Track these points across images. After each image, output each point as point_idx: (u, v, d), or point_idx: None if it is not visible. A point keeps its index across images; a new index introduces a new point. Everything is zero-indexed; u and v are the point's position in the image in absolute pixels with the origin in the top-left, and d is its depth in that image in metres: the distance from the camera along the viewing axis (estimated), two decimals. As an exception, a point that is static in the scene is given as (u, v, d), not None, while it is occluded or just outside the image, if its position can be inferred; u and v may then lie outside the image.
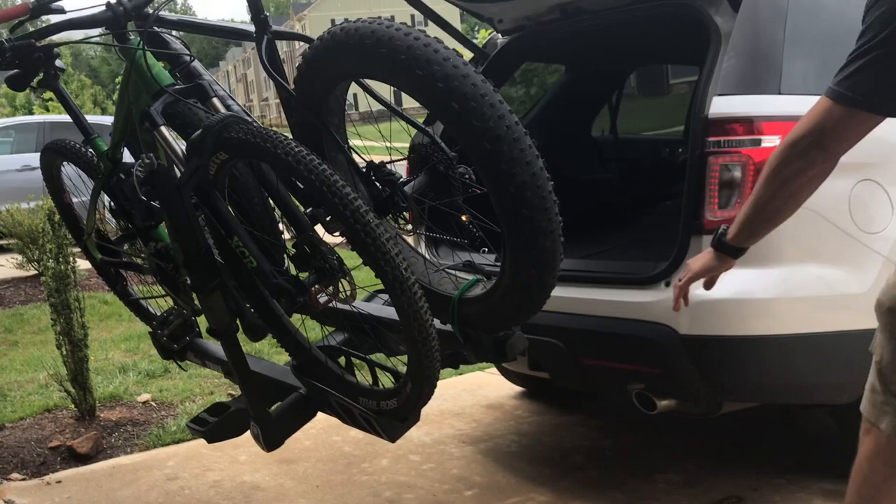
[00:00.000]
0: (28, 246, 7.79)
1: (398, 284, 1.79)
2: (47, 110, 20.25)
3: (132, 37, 2.23)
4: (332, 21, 2.26)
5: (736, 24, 2.67)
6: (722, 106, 2.56)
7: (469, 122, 1.84)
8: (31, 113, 26.92)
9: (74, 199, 3.22)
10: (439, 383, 2.06)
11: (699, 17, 2.78)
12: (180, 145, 2.15)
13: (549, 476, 3.29)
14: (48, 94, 19.71)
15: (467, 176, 2.10)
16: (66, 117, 11.78)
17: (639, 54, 4.28)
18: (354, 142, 2.34)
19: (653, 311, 2.67)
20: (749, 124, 2.54)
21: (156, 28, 2.41)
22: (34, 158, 11.78)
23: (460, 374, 4.53)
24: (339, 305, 2.16)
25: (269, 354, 4.79)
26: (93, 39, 2.27)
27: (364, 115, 2.46)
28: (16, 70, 2.40)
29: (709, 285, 2.08)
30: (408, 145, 2.54)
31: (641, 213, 4.05)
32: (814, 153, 1.69)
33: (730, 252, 1.98)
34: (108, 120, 8.22)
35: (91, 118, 2.95)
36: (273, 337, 2.38)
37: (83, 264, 4.56)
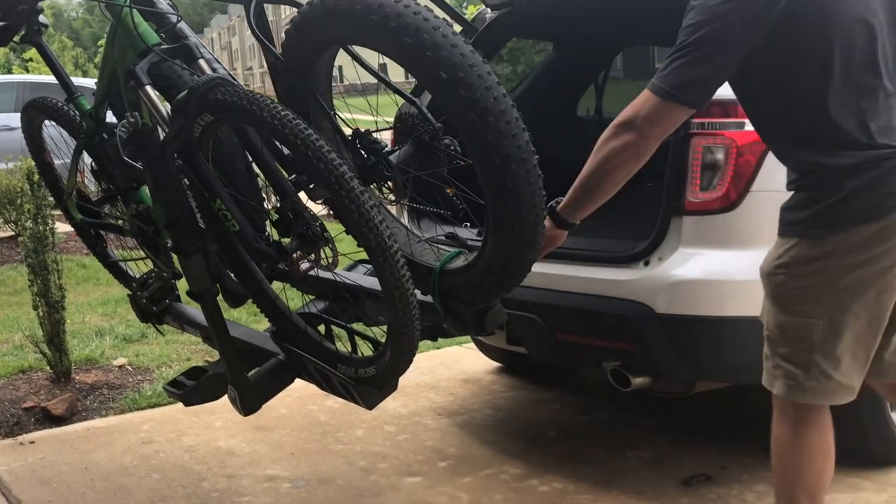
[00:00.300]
0: (5, 207, 7.70)
1: (381, 252, 1.80)
2: (27, 70, 19.93)
3: (119, -6, 2.20)
4: None
5: None
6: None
7: (457, 91, 1.84)
8: (10, 73, 26.47)
9: (56, 161, 3.19)
10: (416, 356, 2.07)
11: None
12: (165, 106, 2.13)
13: (522, 449, 3.33)
14: (28, 55, 19.42)
15: (453, 147, 2.10)
16: (46, 78, 11.63)
17: (627, 34, 4.28)
18: (341, 113, 2.33)
19: (631, 289, 2.70)
20: (733, 107, 2.56)
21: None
22: (13, 119, 11.62)
23: (437, 348, 4.55)
24: (321, 273, 2.17)
25: (246, 323, 4.79)
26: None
27: (350, 86, 2.45)
28: (-1, 24, 2.36)
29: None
30: (394, 117, 2.53)
31: (622, 193, 4.07)
32: (629, 135, 1.97)
33: (559, 223, 2.13)
34: (89, 82, 8.10)
35: (74, 81, 2.91)
36: (253, 302, 2.38)
37: (61, 227, 4.54)
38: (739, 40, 1.87)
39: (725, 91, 2.56)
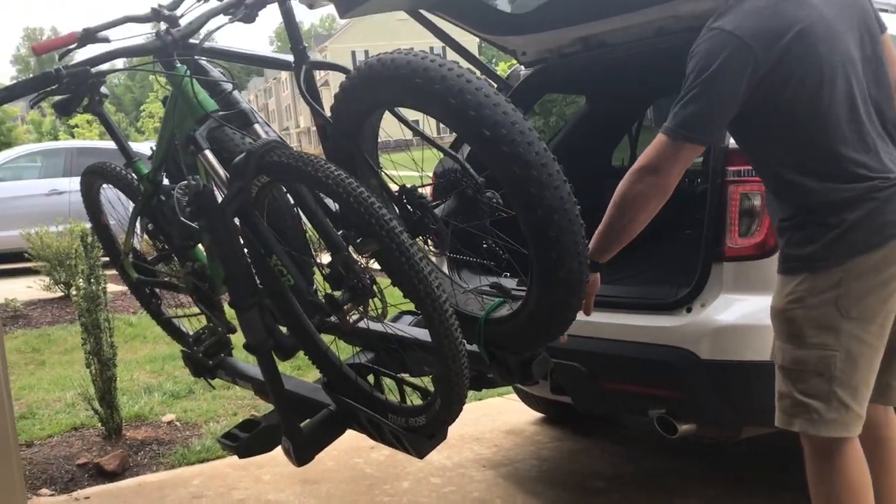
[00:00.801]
0: (56, 268, 7.93)
1: (431, 302, 1.86)
2: (73, 136, 20.59)
3: (178, 64, 2.33)
4: (353, 53, 2.37)
5: None
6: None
7: (500, 147, 1.92)
8: (56, 139, 27.34)
9: (112, 221, 3.33)
10: (460, 407, 2.12)
11: (720, 51, 2.86)
12: (222, 168, 2.24)
13: (568, 501, 3.32)
14: (74, 122, 20.08)
15: (495, 200, 2.17)
16: (92, 143, 12.00)
17: (659, 86, 4.35)
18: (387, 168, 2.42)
19: (674, 335, 2.72)
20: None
21: (198, 57, 2.52)
22: (61, 183, 11.99)
23: (480, 399, 4.57)
24: (370, 325, 2.24)
25: (292, 374, 4.86)
26: (140, 67, 2.38)
27: (390, 142, 2.56)
28: (65, 96, 2.51)
29: (587, 310, 2.26)
30: (433, 171, 2.63)
31: (662, 240, 4.11)
32: (652, 178, 2.09)
33: (591, 267, 2.14)
34: (134, 146, 8.35)
35: (113, 144, 3.06)
36: (305, 354, 2.45)
37: (111, 286, 4.67)
38: (740, 78, 2.00)
39: (760, 139, 2.62)
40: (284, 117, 77.63)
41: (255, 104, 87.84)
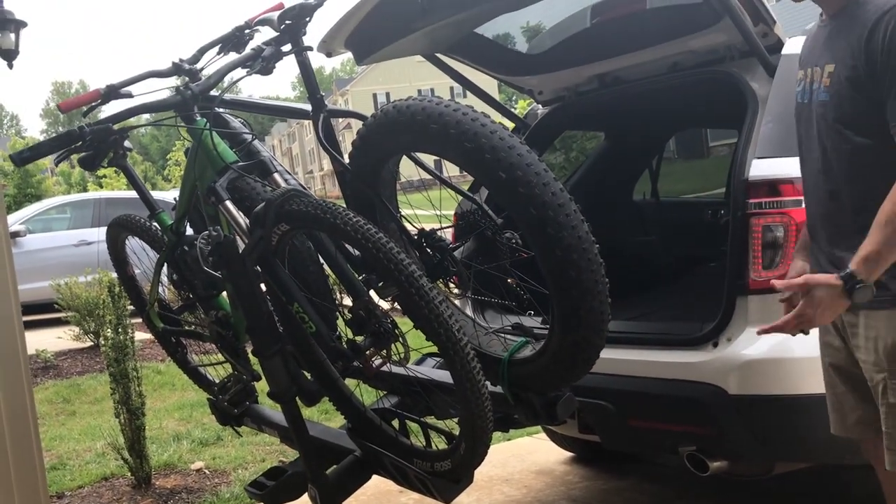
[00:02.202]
0: (85, 318, 8.01)
1: (451, 346, 1.86)
2: (101, 187, 20.97)
3: (198, 118, 2.38)
4: (374, 95, 2.42)
5: (772, 88, 2.75)
6: (762, 168, 2.62)
7: (516, 189, 1.94)
8: (85, 190, 27.87)
9: (136, 271, 3.37)
10: (488, 449, 2.10)
11: (736, 84, 2.87)
12: (243, 218, 2.27)
13: (601, 541, 3.26)
14: (102, 172, 20.48)
15: (514, 241, 2.18)
16: (120, 193, 12.17)
17: (677, 120, 4.37)
18: (405, 210, 2.45)
19: (701, 371, 2.69)
20: (790, 185, 2.59)
21: (218, 109, 2.57)
22: (90, 234, 12.16)
23: (508, 439, 4.53)
24: (393, 369, 2.24)
25: (318, 420, 4.86)
26: (160, 121, 2.43)
27: (408, 185, 2.58)
28: (90, 151, 2.56)
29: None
30: (453, 212, 2.64)
31: (686, 274, 4.08)
32: None
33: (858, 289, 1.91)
34: (158, 196, 8.48)
35: None
36: (329, 400, 2.45)
37: (139, 335, 4.72)
38: None
39: (777, 170, 2.62)
40: (308, 161, 78.57)
41: (278, 149, 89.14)
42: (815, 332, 2.27)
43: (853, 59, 1.95)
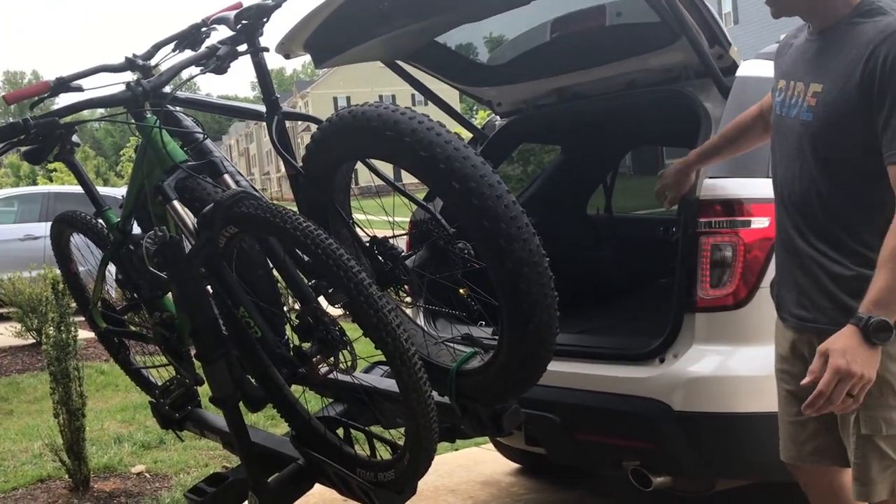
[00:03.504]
0: (28, 314, 7.81)
1: (399, 355, 1.85)
2: (51, 181, 20.52)
3: (148, 115, 2.33)
4: (335, 99, 2.40)
5: (725, 109, 2.79)
6: (712, 188, 2.66)
7: (469, 200, 1.93)
8: (35, 183, 27.20)
9: (81, 269, 3.29)
10: (435, 458, 2.08)
11: (690, 103, 2.91)
12: (191, 218, 2.23)
13: (544, 554, 3.26)
14: (52, 166, 20.03)
15: (466, 251, 2.17)
16: (70, 188, 11.92)
17: (632, 136, 4.41)
18: (358, 216, 2.43)
19: (647, 387, 2.71)
20: (739, 206, 2.63)
21: (170, 107, 2.53)
22: (37, 228, 11.89)
23: (455, 449, 4.51)
24: (340, 376, 2.21)
25: (264, 426, 4.79)
26: (109, 117, 2.37)
27: (366, 189, 2.56)
28: (35, 145, 2.49)
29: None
30: (408, 219, 2.63)
31: (637, 290, 4.12)
32: None
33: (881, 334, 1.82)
34: (110, 192, 8.33)
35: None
36: (273, 407, 2.42)
37: (82, 334, 4.60)
38: None
39: (728, 190, 2.66)
40: (265, 162, 77.82)
41: (235, 149, 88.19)
42: (769, 357, 2.28)
43: (844, 82, 1.90)
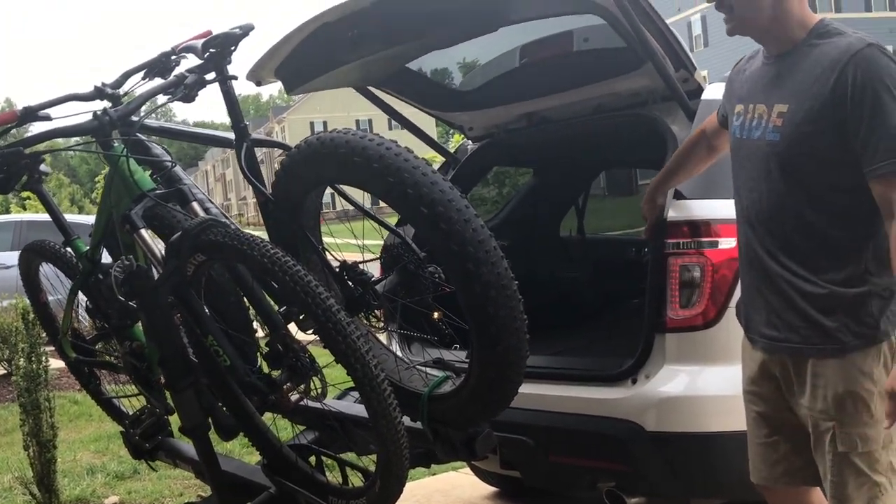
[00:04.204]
0: (-1, 345, 7.69)
1: (368, 381, 1.85)
2: (24, 209, 20.31)
3: (116, 143, 2.33)
4: (311, 124, 2.41)
5: (691, 132, 2.83)
6: (679, 209, 2.69)
7: (437, 224, 1.94)
8: (7, 212, 26.91)
9: (50, 298, 3.26)
10: (412, 484, 2.08)
11: (657, 126, 2.95)
12: (159, 247, 2.22)
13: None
14: (25, 194, 19.81)
15: (437, 275, 2.18)
16: (42, 216, 11.74)
17: (602, 159, 4.46)
18: (329, 240, 2.43)
19: (620, 408, 2.72)
20: (706, 227, 2.67)
21: (139, 135, 2.52)
22: (9, 257, 11.67)
23: (433, 474, 4.48)
24: (311, 404, 2.20)
25: (239, 454, 4.74)
26: (77, 147, 2.37)
27: (339, 214, 2.57)
28: (1, 175, 2.47)
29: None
30: (380, 243, 2.64)
31: (609, 311, 4.15)
32: None
33: None
34: (85, 219, 8.25)
35: (68, 217, 3.03)
36: (244, 435, 2.40)
37: (55, 363, 4.54)
38: None
39: (695, 212, 2.70)
40: (242, 187, 77.52)
41: (211, 174, 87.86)
42: (740, 376, 2.30)
43: (812, 101, 1.94)
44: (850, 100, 1.88)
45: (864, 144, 1.87)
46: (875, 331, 1.91)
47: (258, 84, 3.33)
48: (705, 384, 2.66)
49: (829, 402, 1.98)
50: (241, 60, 2.58)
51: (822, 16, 2.09)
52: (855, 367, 1.93)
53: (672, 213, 2.69)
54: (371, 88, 3.63)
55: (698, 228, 2.64)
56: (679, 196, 2.71)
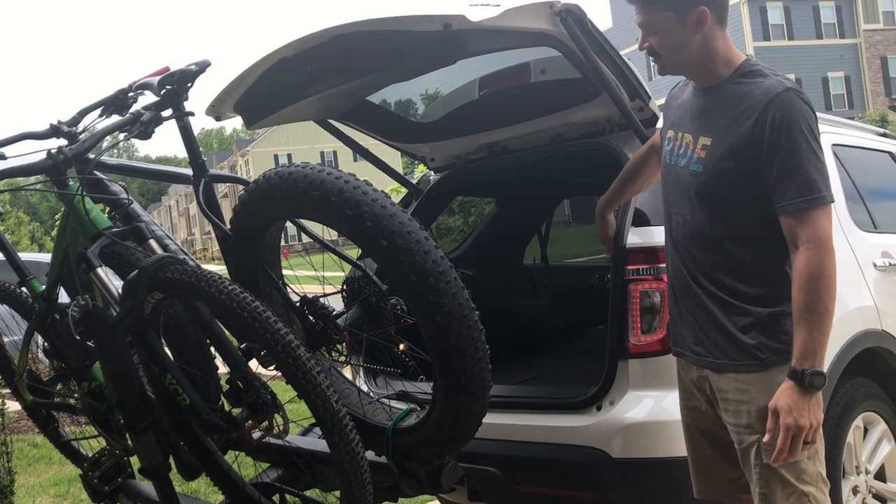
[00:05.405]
0: (-46, 389, 7.49)
1: (329, 416, 1.83)
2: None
3: (71, 182, 2.30)
4: (275, 157, 2.41)
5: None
6: (638, 236, 2.72)
7: (397, 257, 1.94)
8: (-36, 251, 26.26)
9: (5, 339, 3.19)
10: (383, 517, 2.05)
11: (614, 154, 2.99)
12: (117, 285, 2.19)
13: None
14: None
15: (399, 307, 2.18)
16: None
17: (562, 188, 4.51)
18: (290, 273, 2.41)
19: (586, 435, 2.72)
20: (662, 252, 2.69)
21: (96, 173, 2.50)
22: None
23: (403, 507, 4.44)
24: (273, 440, 2.17)
25: (205, 493, 4.65)
26: (31, 186, 2.34)
27: (307, 246, 2.56)
28: (-49, 214, 2.44)
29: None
30: (342, 275, 2.63)
31: (575, 337, 4.17)
32: (831, 246, 1.97)
33: (814, 382, 1.95)
34: (44, 257, 8.10)
35: (28, 256, 2.98)
36: (206, 475, 2.36)
37: (13, 406, 4.44)
38: None
39: (653, 238, 2.73)
40: (206, 222, 76.85)
41: (175, 209, 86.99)
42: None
43: (732, 137, 2.04)
44: (766, 140, 1.98)
45: (777, 182, 1.98)
46: (790, 346, 1.99)
47: (218, 119, 3.32)
48: (669, 409, 2.67)
49: (753, 416, 2.08)
50: (201, 95, 2.57)
51: (750, 54, 2.25)
52: (775, 382, 2.01)
53: (631, 240, 2.72)
54: (332, 121, 3.63)
55: (655, 254, 2.67)
56: (640, 222, 2.74)
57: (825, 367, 1.98)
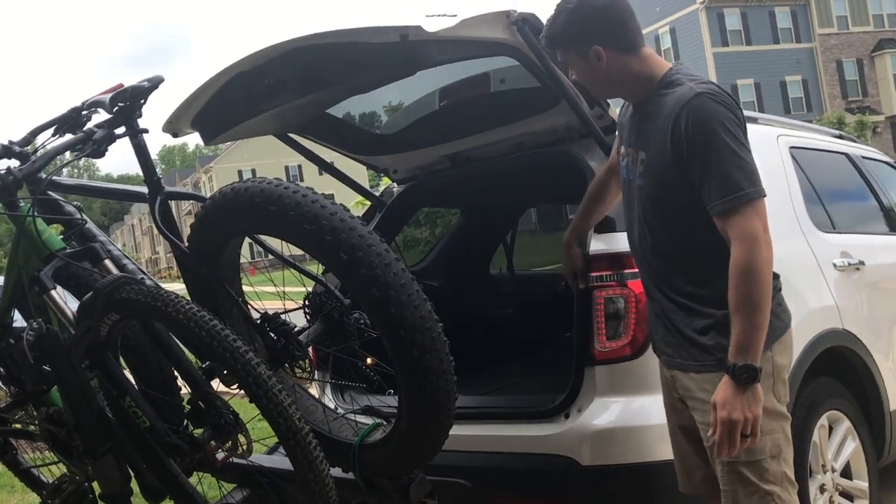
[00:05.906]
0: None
1: (291, 434, 1.81)
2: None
3: (22, 203, 2.25)
4: (239, 172, 2.37)
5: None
6: (601, 243, 2.73)
7: (357, 270, 1.92)
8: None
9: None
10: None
11: (575, 163, 3.00)
12: (72, 307, 2.14)
13: None
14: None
15: (362, 321, 2.16)
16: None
17: (526, 196, 4.52)
18: (250, 289, 2.38)
19: (555, 443, 2.71)
20: (629, 258, 2.70)
21: (50, 193, 2.45)
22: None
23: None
24: (237, 460, 2.14)
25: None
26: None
27: (270, 262, 2.53)
28: None
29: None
30: (304, 291, 2.60)
31: (542, 346, 4.16)
32: (768, 239, 2.00)
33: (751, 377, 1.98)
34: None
35: None
36: (170, 497, 2.31)
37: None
38: None
39: (616, 244, 2.74)
40: (173, 239, 75.94)
41: (139, 228, 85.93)
42: (649, 405, 2.36)
43: (659, 149, 2.11)
44: (685, 147, 2.03)
45: (701, 185, 2.03)
46: None
47: (175, 135, 3.27)
48: (637, 414, 2.67)
49: None
50: (149, 114, 2.53)
51: (680, 61, 2.30)
52: None
53: (594, 246, 2.72)
54: (293, 135, 3.60)
55: (620, 261, 2.68)
56: (604, 228, 2.75)
57: (790, 366, 2.06)
